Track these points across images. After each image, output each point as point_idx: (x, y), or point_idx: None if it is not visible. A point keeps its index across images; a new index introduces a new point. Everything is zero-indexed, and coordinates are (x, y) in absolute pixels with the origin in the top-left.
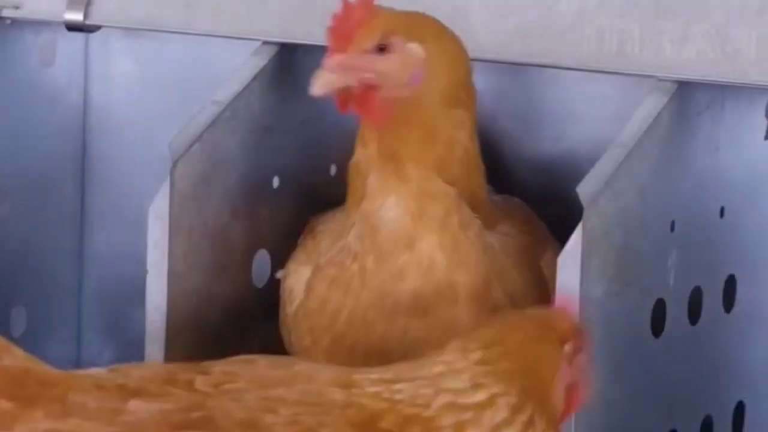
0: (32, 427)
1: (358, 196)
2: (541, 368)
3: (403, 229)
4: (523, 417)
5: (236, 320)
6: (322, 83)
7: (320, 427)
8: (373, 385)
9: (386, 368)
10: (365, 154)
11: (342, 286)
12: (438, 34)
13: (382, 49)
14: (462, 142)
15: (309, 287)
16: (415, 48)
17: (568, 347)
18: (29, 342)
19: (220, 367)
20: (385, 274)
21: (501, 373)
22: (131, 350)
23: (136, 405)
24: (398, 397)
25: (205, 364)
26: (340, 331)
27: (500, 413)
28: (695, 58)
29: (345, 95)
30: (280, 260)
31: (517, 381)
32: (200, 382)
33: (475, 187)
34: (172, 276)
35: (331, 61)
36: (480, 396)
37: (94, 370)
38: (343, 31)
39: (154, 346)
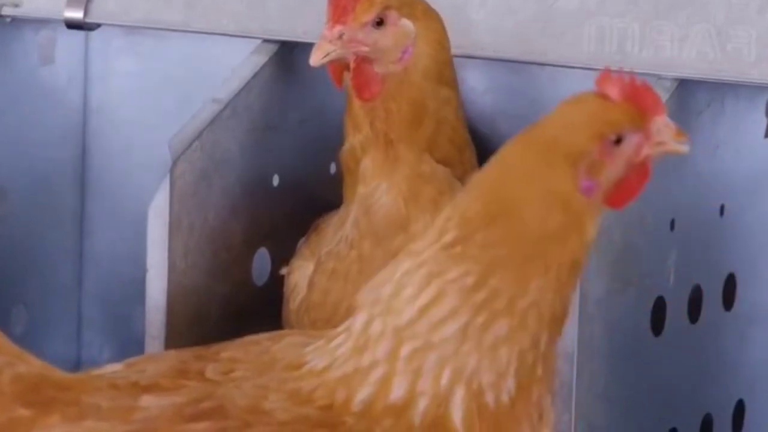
0: None
1: (354, 182)
2: (537, 218)
3: (397, 212)
4: (477, 297)
5: (236, 318)
6: (321, 53)
7: (300, 412)
8: (313, 357)
9: (346, 323)
10: (359, 139)
11: (341, 275)
12: (426, 12)
13: (378, 22)
14: (449, 120)
15: (310, 282)
16: (407, 24)
17: (588, 159)
18: (29, 341)
19: (227, 353)
20: (381, 258)
21: (470, 249)
22: (131, 349)
23: (148, 401)
24: (333, 358)
25: (215, 348)
26: (341, 322)
27: (443, 307)
28: (695, 58)
29: (339, 67)
30: (280, 258)
31: (489, 251)
32: (210, 370)
33: (467, 167)
34: (172, 274)
35: (332, 32)
36: (424, 298)
37: (110, 367)
38: (343, 2)
39: (154, 344)
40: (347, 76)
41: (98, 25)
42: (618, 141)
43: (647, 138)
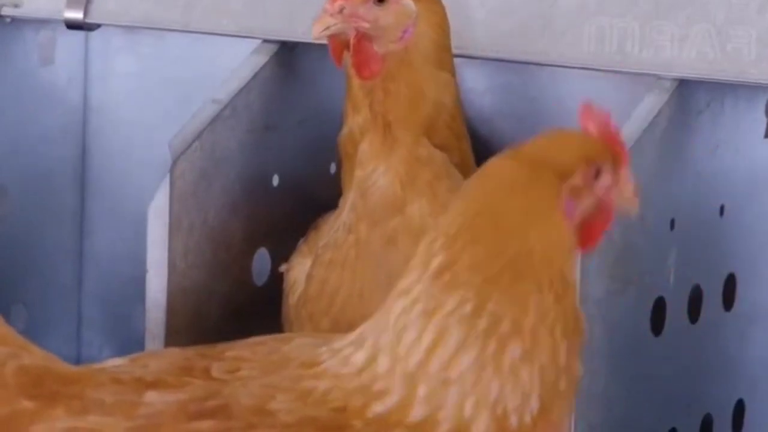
0: (50, 426)
1: (351, 167)
2: (521, 229)
3: (393, 194)
4: (480, 325)
5: (236, 318)
6: (321, 26)
7: (307, 414)
8: (329, 357)
9: (358, 330)
10: (357, 122)
11: (339, 263)
12: None
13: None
14: (448, 106)
15: (308, 276)
16: (409, 3)
17: (573, 181)
18: (29, 340)
19: (232, 352)
20: (377, 240)
21: (460, 275)
22: (131, 349)
23: (152, 397)
24: (349, 366)
25: (220, 347)
26: (338, 311)
27: (450, 342)
28: (695, 57)
29: (340, 45)
30: (279, 258)
31: (478, 273)
32: (216, 368)
33: (464, 154)
34: (172, 274)
35: (333, 5)
36: (427, 338)
37: (113, 362)
38: None
39: (154, 344)
40: (347, 56)
41: (98, 26)
42: (597, 174)
43: (616, 183)
